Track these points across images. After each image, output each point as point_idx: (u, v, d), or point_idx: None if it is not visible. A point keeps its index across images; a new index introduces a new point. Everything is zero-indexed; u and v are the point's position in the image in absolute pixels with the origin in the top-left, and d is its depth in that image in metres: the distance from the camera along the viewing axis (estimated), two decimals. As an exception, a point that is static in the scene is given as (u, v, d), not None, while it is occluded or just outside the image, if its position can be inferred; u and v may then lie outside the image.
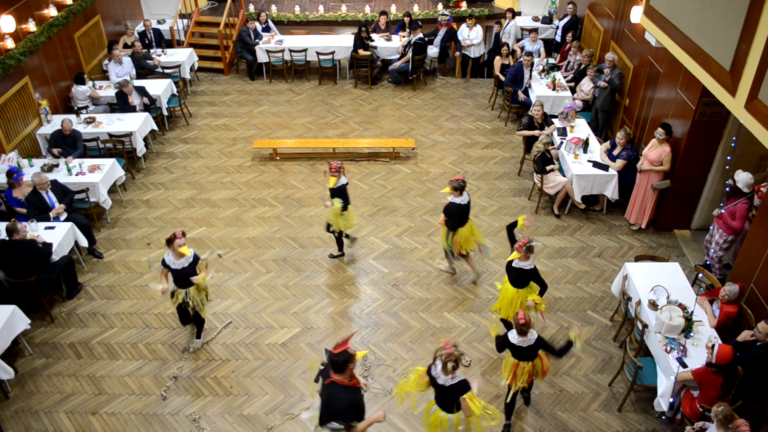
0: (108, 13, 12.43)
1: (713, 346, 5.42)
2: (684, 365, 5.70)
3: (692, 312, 6.10)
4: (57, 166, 8.76)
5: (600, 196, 8.86)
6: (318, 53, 12.39)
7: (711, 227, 7.35)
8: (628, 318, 6.81)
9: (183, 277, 6.30)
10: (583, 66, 10.95)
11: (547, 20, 13.49)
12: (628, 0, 9.57)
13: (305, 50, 12.53)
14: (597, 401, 6.29)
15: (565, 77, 11.27)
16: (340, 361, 4.49)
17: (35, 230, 7.36)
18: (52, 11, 10.18)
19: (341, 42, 12.75)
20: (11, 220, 7.25)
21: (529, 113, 9.63)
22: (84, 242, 7.95)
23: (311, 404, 4.95)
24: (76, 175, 8.58)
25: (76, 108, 10.50)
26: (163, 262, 6.27)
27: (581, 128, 9.64)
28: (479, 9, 13.86)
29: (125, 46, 12.07)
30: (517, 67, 10.95)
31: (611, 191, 8.58)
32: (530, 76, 11.02)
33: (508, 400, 5.79)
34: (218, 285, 7.75)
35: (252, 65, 12.82)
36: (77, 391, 6.43)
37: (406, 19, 12.84)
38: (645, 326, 6.19)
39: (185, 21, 13.70)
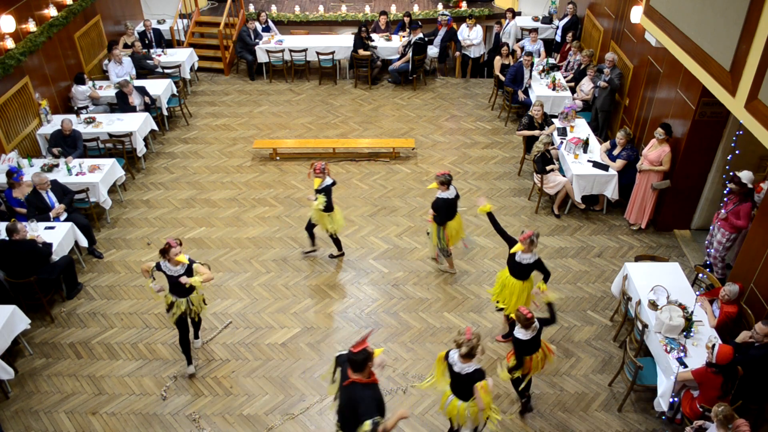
0: (108, 13, 12.43)
1: (713, 346, 5.42)
2: (684, 365, 5.70)
3: (692, 312, 6.10)
4: (57, 166, 8.76)
5: (600, 196, 8.86)
6: (318, 53, 12.39)
7: (711, 228, 7.34)
8: (628, 318, 6.81)
9: (178, 284, 6.07)
10: (583, 66, 10.95)
11: (547, 20, 13.49)
12: (628, 0, 9.57)
13: (305, 50, 12.53)
14: (597, 401, 6.29)
15: (565, 77, 11.27)
16: (359, 359, 4.44)
17: (35, 230, 7.36)
18: (52, 11, 10.18)
19: (341, 42, 12.75)
20: (11, 220, 7.24)
21: (529, 113, 9.63)
22: (84, 242, 7.95)
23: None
24: (76, 175, 8.58)
25: (76, 108, 10.50)
26: (159, 267, 6.06)
27: (581, 128, 9.64)
28: (479, 9, 13.86)
29: (125, 46, 12.07)
30: (517, 67, 10.95)
31: (611, 191, 8.58)
32: (530, 76, 11.03)
33: (521, 387, 5.85)
34: (218, 285, 7.75)
35: (252, 65, 12.82)
36: (77, 391, 6.43)
37: (406, 19, 12.84)
38: (645, 326, 6.19)
39: (185, 21, 13.70)
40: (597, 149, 9.03)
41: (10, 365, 6.35)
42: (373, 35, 12.82)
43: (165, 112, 11.05)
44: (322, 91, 12.54)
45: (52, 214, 7.79)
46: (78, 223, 7.90)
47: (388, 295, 7.63)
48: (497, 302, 6.60)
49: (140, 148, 9.82)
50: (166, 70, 11.84)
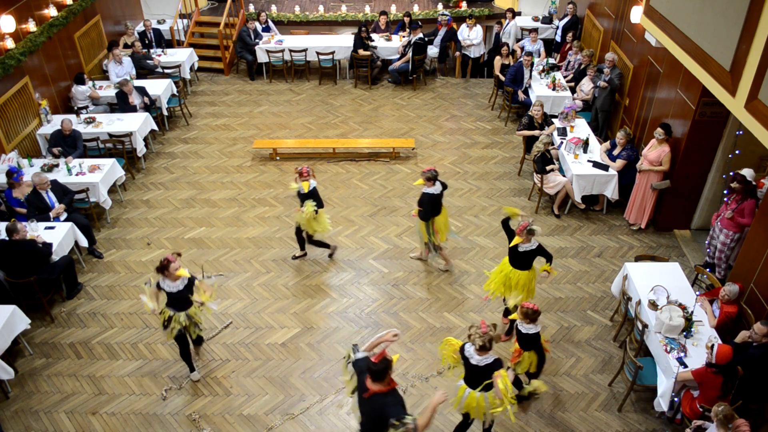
0: (108, 13, 12.43)
1: (713, 346, 5.42)
2: (684, 365, 5.70)
3: (692, 312, 6.10)
4: (57, 166, 8.76)
5: (600, 196, 8.86)
6: (318, 53, 12.39)
7: (711, 229, 7.33)
8: (628, 318, 6.81)
9: (180, 299, 5.90)
10: (583, 66, 10.96)
11: (547, 20, 13.49)
12: (628, 0, 9.57)
13: (305, 50, 12.53)
14: (597, 401, 6.29)
15: (565, 77, 11.27)
16: (380, 369, 4.38)
17: (35, 230, 7.36)
18: (52, 11, 10.18)
19: (341, 42, 12.75)
20: (11, 220, 7.24)
21: (529, 113, 9.63)
22: (84, 242, 7.95)
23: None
24: (76, 175, 8.58)
25: (76, 108, 10.50)
26: (158, 287, 5.89)
27: (581, 128, 9.64)
28: (479, 9, 13.86)
29: (125, 46, 12.07)
30: (517, 67, 10.95)
31: (611, 191, 8.58)
32: (530, 76, 11.03)
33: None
34: (218, 285, 7.74)
35: (252, 65, 12.82)
36: (77, 391, 6.43)
37: (406, 19, 12.84)
38: (645, 326, 6.19)
39: (185, 21, 13.70)
40: (597, 149, 9.03)
41: (10, 365, 6.35)
42: (373, 35, 12.82)
43: (165, 112, 11.05)
44: (322, 91, 12.54)
45: (52, 214, 7.79)
46: (78, 223, 7.90)
47: (388, 295, 7.63)
48: (504, 299, 6.67)
49: (140, 148, 9.82)
50: (166, 70, 11.84)
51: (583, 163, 8.76)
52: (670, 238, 8.47)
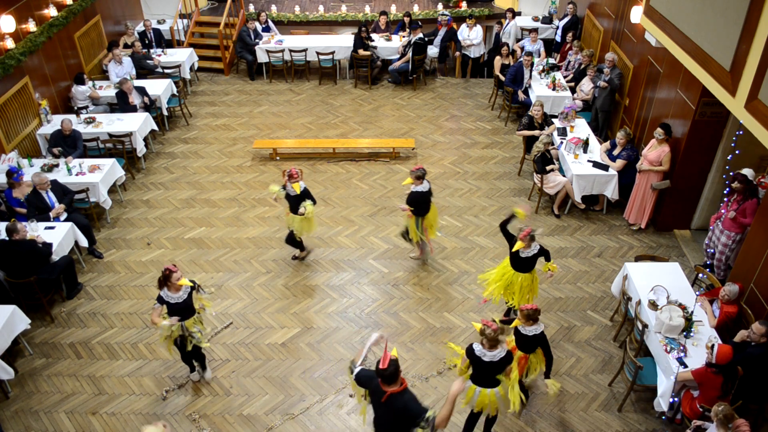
0: (108, 13, 12.43)
1: (713, 346, 5.43)
2: (684, 365, 5.70)
3: (692, 312, 6.10)
4: (57, 166, 8.76)
5: (600, 196, 8.86)
6: (318, 53, 12.39)
7: (710, 231, 7.32)
8: (628, 318, 6.81)
9: (185, 308, 5.81)
10: (583, 66, 10.96)
11: (547, 20, 13.49)
12: (628, 0, 9.57)
13: (305, 50, 12.53)
14: (597, 401, 6.29)
15: (565, 77, 11.27)
16: (390, 372, 4.38)
17: (35, 230, 7.36)
18: (52, 11, 10.18)
19: (341, 42, 12.75)
20: (11, 220, 7.24)
21: (529, 113, 9.63)
22: (84, 242, 7.95)
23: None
24: (76, 175, 8.58)
25: (76, 108, 10.50)
26: (161, 300, 5.72)
27: (581, 128, 9.64)
28: (479, 9, 13.86)
29: (125, 46, 12.07)
30: (517, 67, 10.95)
31: (611, 191, 8.58)
32: (530, 76, 11.03)
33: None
34: (218, 285, 7.75)
35: (252, 65, 12.82)
36: (77, 391, 6.43)
37: (406, 19, 12.84)
38: (645, 326, 6.19)
39: (185, 21, 13.70)
40: (597, 149, 9.03)
41: (10, 365, 6.35)
42: (373, 35, 12.82)
43: (165, 112, 11.05)
44: (322, 91, 12.54)
45: (52, 214, 7.79)
46: (78, 223, 7.90)
47: (388, 295, 7.63)
48: (507, 302, 6.68)
49: (140, 148, 9.82)
50: (166, 70, 11.84)
51: (583, 163, 8.76)
52: (670, 238, 8.47)
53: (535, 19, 13.67)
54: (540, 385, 5.72)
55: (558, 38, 12.70)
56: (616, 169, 8.56)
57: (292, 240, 7.82)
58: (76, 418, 6.15)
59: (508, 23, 12.74)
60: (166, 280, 5.66)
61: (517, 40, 12.87)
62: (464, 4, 13.89)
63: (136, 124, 9.82)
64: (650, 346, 6.23)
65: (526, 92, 11.01)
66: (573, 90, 10.87)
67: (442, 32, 12.71)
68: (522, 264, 6.35)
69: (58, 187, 8.02)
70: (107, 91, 10.81)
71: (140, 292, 7.68)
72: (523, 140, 9.72)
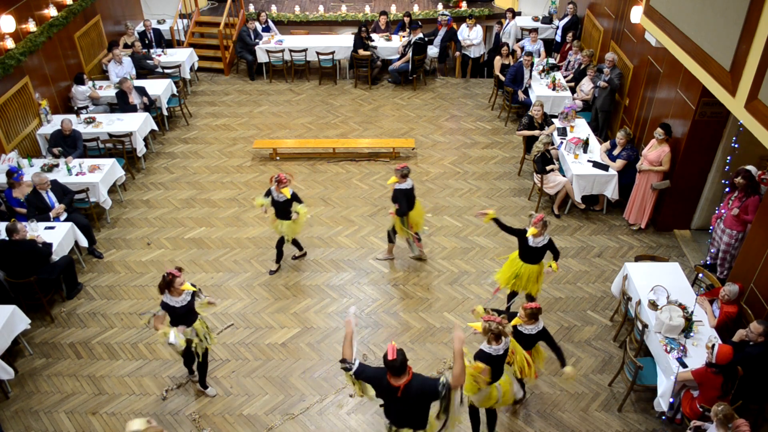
0: (108, 13, 12.43)
1: (713, 346, 5.43)
2: (684, 365, 5.70)
3: (692, 312, 6.10)
4: (57, 166, 8.76)
5: (600, 196, 8.86)
6: (318, 53, 12.39)
7: (712, 231, 7.32)
8: (628, 318, 6.81)
9: (188, 312, 5.70)
10: (583, 66, 10.96)
11: (547, 20, 13.49)
12: (628, 0, 9.57)
13: (305, 50, 12.53)
14: (597, 401, 6.29)
15: (565, 77, 11.27)
16: (399, 362, 4.43)
17: (35, 230, 7.36)
18: (52, 11, 10.18)
19: (341, 42, 12.75)
20: (11, 220, 7.25)
21: (529, 113, 9.63)
22: (84, 242, 7.95)
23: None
24: (76, 175, 8.58)
25: (76, 108, 10.50)
26: (165, 306, 5.57)
27: (581, 128, 9.64)
28: (479, 9, 13.86)
29: (125, 46, 12.07)
30: (517, 67, 10.95)
31: (611, 191, 8.58)
32: (530, 76, 11.03)
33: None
34: (218, 285, 7.75)
35: (252, 65, 12.82)
36: (77, 391, 6.43)
37: (406, 19, 12.84)
38: (645, 326, 6.19)
39: (185, 21, 13.70)
40: (597, 149, 9.03)
41: (10, 365, 6.35)
42: (373, 35, 12.82)
43: (165, 112, 11.05)
44: (322, 91, 12.54)
45: (52, 214, 7.79)
46: (78, 223, 7.90)
47: (388, 295, 7.63)
48: (509, 288, 6.74)
49: (140, 148, 9.83)
50: (166, 70, 11.84)
51: (583, 163, 8.76)
52: (670, 238, 8.47)
53: (535, 19, 13.68)
54: (558, 378, 5.69)
55: (558, 38, 12.70)
56: (616, 169, 8.56)
57: (283, 245, 7.73)
58: (76, 418, 6.15)
59: (508, 23, 12.74)
60: (168, 284, 5.50)
61: (517, 40, 12.87)
62: (464, 4, 13.89)
63: (136, 124, 9.82)
64: (650, 346, 6.23)
65: (526, 92, 11.01)
66: (573, 90, 10.87)
67: (442, 32, 12.71)
68: (531, 254, 6.42)
69: (58, 187, 8.03)
70: (107, 91, 10.81)
71: (140, 292, 7.68)
72: (523, 140, 9.72)
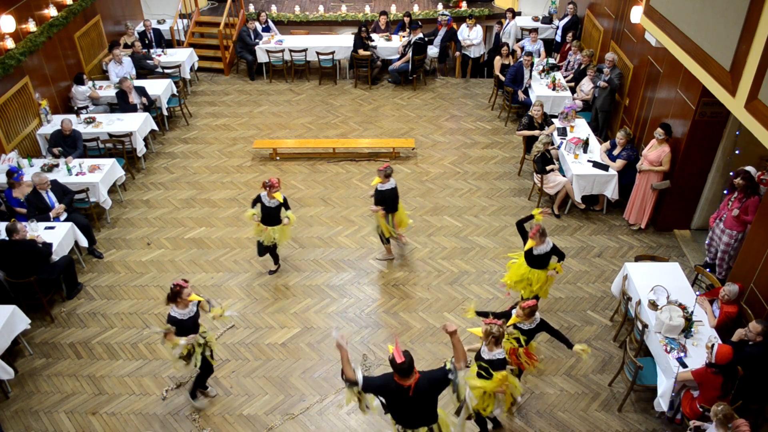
0: (108, 13, 12.43)
1: (713, 346, 5.42)
2: (684, 365, 5.70)
3: (692, 312, 6.10)
4: (57, 166, 8.76)
5: (600, 196, 8.86)
6: (318, 53, 12.39)
7: (711, 231, 7.31)
8: (628, 318, 6.81)
9: (195, 325, 5.60)
10: (583, 66, 10.95)
11: (547, 20, 13.49)
12: (628, 0, 9.57)
13: (305, 50, 12.53)
14: (597, 401, 6.29)
15: (565, 77, 11.27)
16: (408, 364, 4.51)
17: (35, 230, 7.36)
18: (52, 11, 10.18)
19: (341, 42, 12.75)
20: (11, 220, 7.25)
21: (529, 113, 9.63)
22: (84, 242, 7.95)
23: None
24: (76, 175, 8.58)
25: (76, 108, 10.50)
26: (172, 320, 5.45)
27: (581, 128, 9.64)
28: (479, 9, 13.86)
29: (125, 46, 12.07)
30: (517, 67, 10.95)
31: (611, 191, 8.58)
32: (530, 76, 11.02)
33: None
34: (218, 285, 7.75)
35: (252, 65, 12.82)
36: (77, 391, 6.43)
37: (406, 19, 12.84)
38: (645, 326, 6.19)
39: (185, 21, 13.70)
40: (597, 149, 9.03)
41: (10, 365, 6.35)
42: (373, 35, 12.82)
43: (165, 112, 11.05)
44: (322, 91, 12.54)
45: (52, 214, 7.79)
46: (78, 223, 7.90)
47: (388, 295, 7.63)
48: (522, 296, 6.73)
49: (140, 148, 9.83)
50: (166, 70, 11.84)
51: (583, 163, 8.76)
52: (670, 238, 8.47)
53: (535, 19, 13.67)
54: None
55: (558, 38, 12.70)
56: (616, 169, 8.56)
57: (265, 250, 7.62)
58: (76, 418, 6.15)
59: (508, 23, 12.73)
60: (176, 296, 5.39)
61: (517, 40, 12.87)
62: (464, 4, 13.89)
63: (136, 124, 9.82)
64: (650, 346, 6.23)
65: (526, 92, 11.01)
66: (573, 90, 10.87)
67: (442, 32, 12.71)
68: (536, 261, 6.43)
69: (58, 187, 8.03)
70: (107, 91, 10.81)
71: (140, 292, 7.68)
72: (523, 140, 9.72)
